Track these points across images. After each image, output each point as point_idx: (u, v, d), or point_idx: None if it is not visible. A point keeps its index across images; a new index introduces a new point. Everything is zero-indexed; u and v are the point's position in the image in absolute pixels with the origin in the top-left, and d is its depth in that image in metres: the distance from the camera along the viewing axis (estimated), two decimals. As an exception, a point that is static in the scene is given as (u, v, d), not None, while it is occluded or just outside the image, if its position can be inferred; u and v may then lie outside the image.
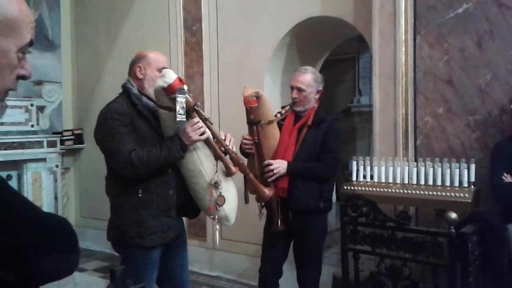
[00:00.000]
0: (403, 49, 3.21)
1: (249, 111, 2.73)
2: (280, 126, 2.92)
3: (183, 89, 2.12)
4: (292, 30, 4.09)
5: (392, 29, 3.24)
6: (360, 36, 4.09)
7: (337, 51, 5.23)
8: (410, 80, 3.20)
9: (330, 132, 2.87)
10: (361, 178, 3.06)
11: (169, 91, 2.12)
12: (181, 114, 2.11)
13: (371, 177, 3.03)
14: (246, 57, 4.32)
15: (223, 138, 2.34)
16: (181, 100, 2.11)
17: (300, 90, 2.87)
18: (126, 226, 2.25)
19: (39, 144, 4.99)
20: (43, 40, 5.46)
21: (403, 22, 3.20)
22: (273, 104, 3.04)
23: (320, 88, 2.96)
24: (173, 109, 2.13)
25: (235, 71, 4.37)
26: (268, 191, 2.68)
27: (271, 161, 2.78)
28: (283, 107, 2.95)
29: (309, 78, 2.89)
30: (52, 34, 5.58)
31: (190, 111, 2.19)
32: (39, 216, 0.96)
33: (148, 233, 2.24)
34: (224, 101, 4.41)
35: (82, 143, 5.78)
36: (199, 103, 2.26)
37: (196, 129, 2.18)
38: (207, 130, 2.24)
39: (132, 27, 5.27)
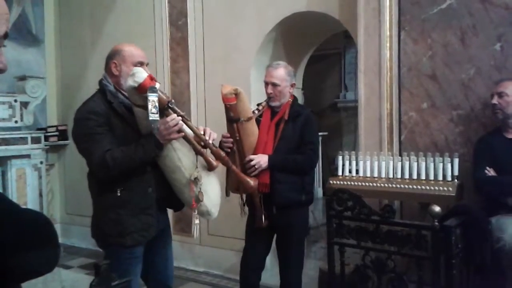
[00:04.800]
0: (388, 44, 3.23)
1: (229, 109, 2.72)
2: (257, 122, 2.92)
3: (155, 88, 2.09)
4: (278, 25, 4.09)
5: (377, 24, 3.26)
6: (346, 32, 4.11)
7: (323, 46, 5.25)
8: (394, 75, 3.23)
9: (308, 124, 2.90)
10: (346, 173, 3.08)
11: (140, 90, 2.09)
12: (153, 113, 2.07)
13: (357, 171, 3.06)
14: (232, 52, 4.32)
15: (202, 133, 2.29)
16: (153, 99, 2.07)
17: (274, 85, 2.88)
18: (106, 225, 2.24)
19: (23, 140, 4.94)
20: (26, 35, 5.38)
21: (387, 18, 3.22)
22: (261, 99, 3.05)
23: (294, 81, 2.99)
24: (146, 108, 2.09)
25: (221, 66, 4.36)
26: (253, 182, 2.67)
27: (252, 156, 2.78)
28: (259, 104, 2.96)
29: (282, 72, 2.90)
30: (35, 29, 5.51)
31: (164, 109, 2.15)
32: (17, 212, 0.95)
33: (128, 232, 2.22)
34: (210, 96, 4.39)
35: (66, 139, 5.71)
36: (173, 100, 2.22)
37: (170, 127, 2.13)
38: (184, 127, 2.20)
39: (116, 22, 5.22)
